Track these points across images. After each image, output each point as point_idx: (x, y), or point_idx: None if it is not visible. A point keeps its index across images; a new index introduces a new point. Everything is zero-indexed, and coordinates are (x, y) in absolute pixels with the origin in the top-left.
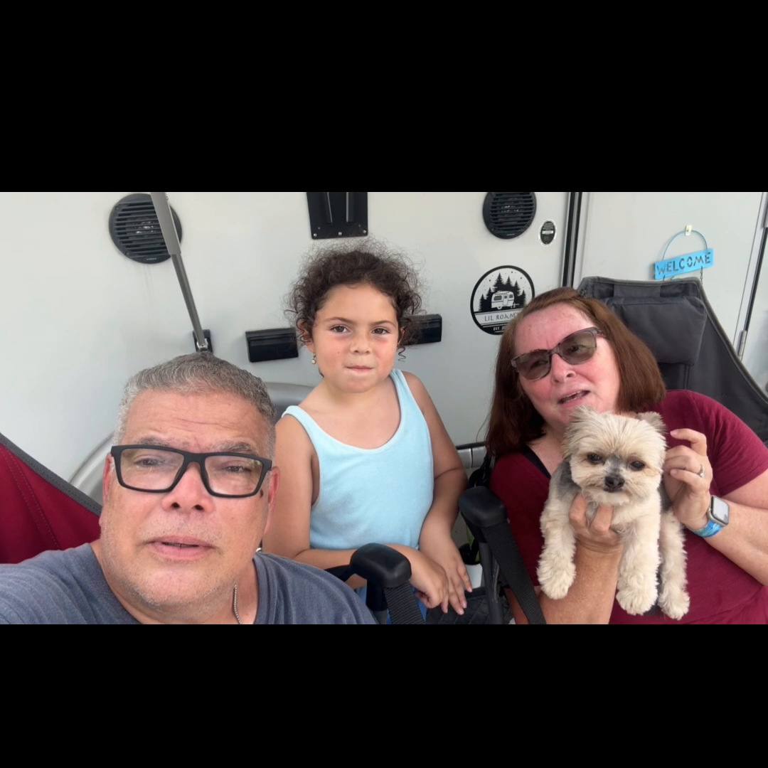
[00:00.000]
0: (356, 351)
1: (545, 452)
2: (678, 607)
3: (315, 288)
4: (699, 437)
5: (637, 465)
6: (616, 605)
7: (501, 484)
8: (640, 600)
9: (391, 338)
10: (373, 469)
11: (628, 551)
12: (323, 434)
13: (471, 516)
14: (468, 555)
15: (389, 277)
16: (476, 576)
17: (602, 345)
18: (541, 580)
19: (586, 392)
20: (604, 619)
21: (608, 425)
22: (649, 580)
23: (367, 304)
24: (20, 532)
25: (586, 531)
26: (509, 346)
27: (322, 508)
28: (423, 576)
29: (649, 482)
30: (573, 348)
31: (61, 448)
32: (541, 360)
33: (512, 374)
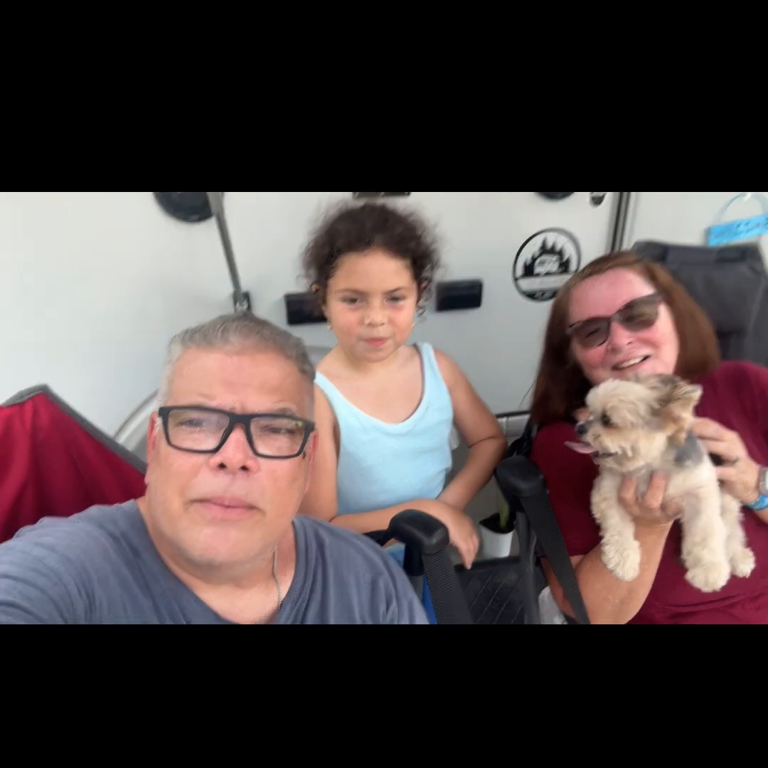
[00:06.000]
0: (370, 323)
1: None
2: (744, 564)
3: (323, 256)
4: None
5: (606, 421)
6: (666, 581)
7: (543, 453)
8: (715, 575)
9: (408, 304)
10: (394, 445)
11: (693, 524)
12: (346, 404)
13: (508, 485)
14: (497, 524)
15: (403, 239)
16: (504, 545)
17: (663, 312)
18: (609, 567)
19: (646, 357)
20: (643, 592)
21: (607, 384)
22: (720, 552)
23: (380, 271)
24: (70, 488)
25: (636, 509)
26: (563, 312)
27: (337, 475)
28: (450, 527)
29: (608, 440)
30: (633, 315)
31: (106, 407)
32: (598, 327)
33: (564, 341)
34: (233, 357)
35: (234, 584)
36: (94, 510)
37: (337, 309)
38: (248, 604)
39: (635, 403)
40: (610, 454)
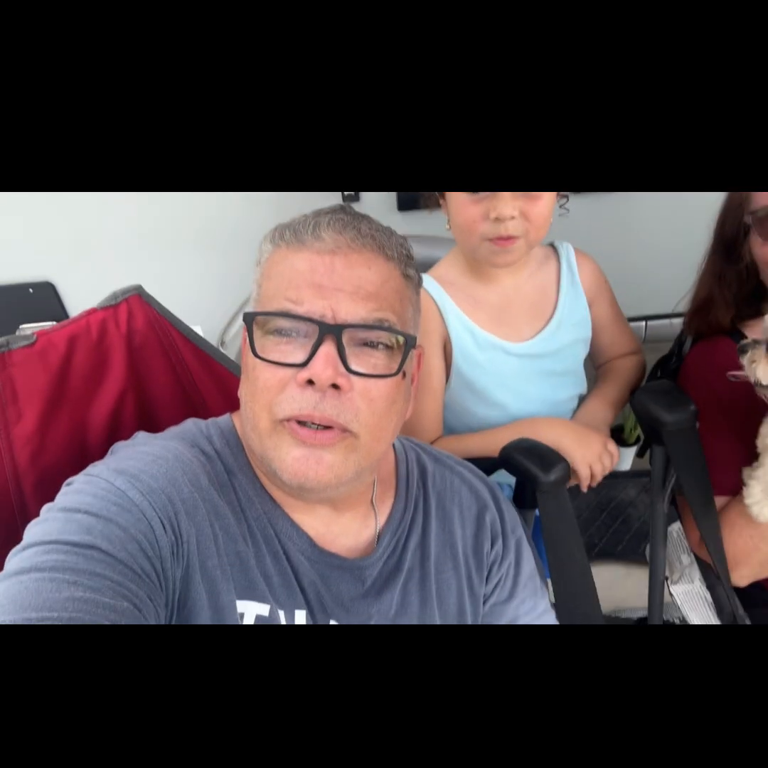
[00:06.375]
0: (497, 218)
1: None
2: None
3: None
4: None
5: None
6: None
7: (696, 373)
8: None
9: (547, 192)
10: (515, 366)
11: None
12: (461, 316)
13: (649, 416)
14: (620, 437)
15: None
16: (627, 458)
17: None
18: (747, 501)
19: None
20: None
21: None
22: None
23: None
24: (170, 393)
25: None
26: (742, 195)
27: (449, 395)
28: (572, 449)
29: (763, 369)
30: None
31: (212, 300)
32: None
33: (740, 233)
34: (325, 256)
35: (331, 507)
36: (190, 424)
37: (456, 201)
38: (344, 530)
39: None
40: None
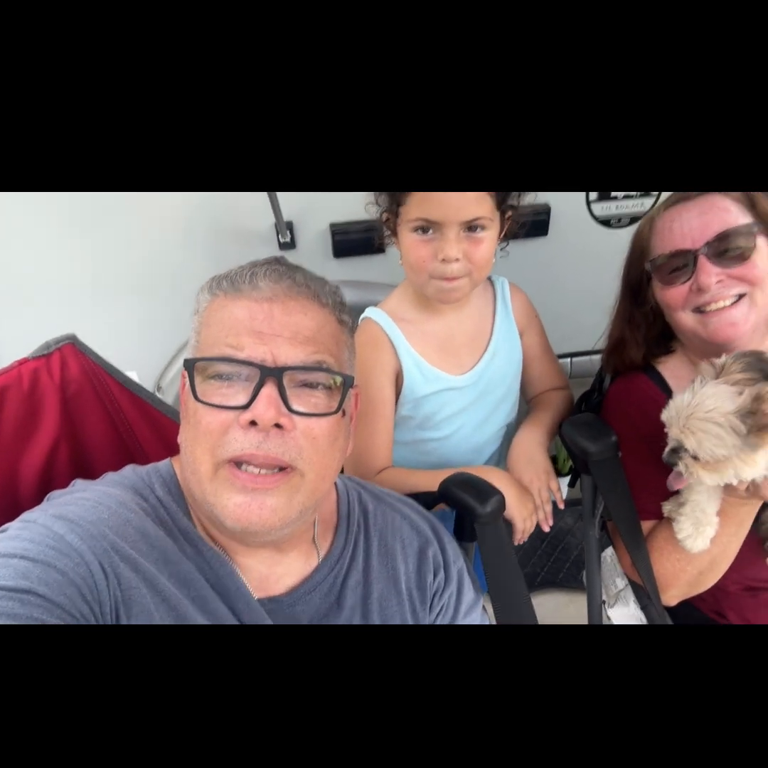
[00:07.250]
0: (444, 259)
1: (673, 373)
2: None
3: None
4: None
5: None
6: (747, 554)
7: (616, 408)
8: None
9: (489, 236)
10: (455, 396)
11: None
12: (412, 353)
13: (576, 447)
14: (556, 467)
15: None
16: (562, 488)
17: (763, 245)
18: (680, 537)
19: (740, 297)
20: (726, 564)
21: (678, 401)
22: None
23: (458, 198)
24: (107, 441)
25: (743, 493)
26: (643, 245)
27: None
28: (512, 504)
29: (705, 475)
30: (726, 249)
31: (147, 346)
32: (682, 263)
33: (643, 279)
34: (263, 304)
35: (274, 548)
36: (129, 471)
37: (408, 241)
38: (288, 570)
39: (720, 435)
40: None
